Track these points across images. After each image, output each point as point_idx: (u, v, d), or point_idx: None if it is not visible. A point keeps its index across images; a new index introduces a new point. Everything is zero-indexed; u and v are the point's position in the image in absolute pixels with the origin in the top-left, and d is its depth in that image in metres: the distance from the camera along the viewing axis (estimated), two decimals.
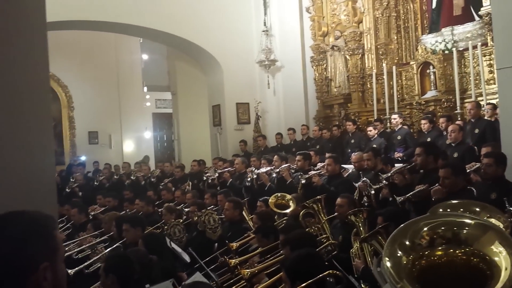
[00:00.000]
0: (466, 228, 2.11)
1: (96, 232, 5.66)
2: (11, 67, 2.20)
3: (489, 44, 7.92)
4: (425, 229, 2.14)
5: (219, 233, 5.50)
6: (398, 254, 2.12)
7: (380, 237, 4.10)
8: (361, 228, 4.47)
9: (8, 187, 2.14)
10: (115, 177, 10.20)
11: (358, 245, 4.22)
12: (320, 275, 2.62)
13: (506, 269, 1.81)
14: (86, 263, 4.84)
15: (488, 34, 7.89)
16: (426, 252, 2.12)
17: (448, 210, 2.78)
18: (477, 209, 2.65)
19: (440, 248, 2.10)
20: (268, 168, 7.06)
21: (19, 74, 2.24)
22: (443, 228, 2.12)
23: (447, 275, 2.09)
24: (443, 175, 3.89)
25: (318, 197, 5.30)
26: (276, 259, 3.64)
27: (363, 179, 5.33)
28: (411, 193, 4.27)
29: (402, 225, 2.23)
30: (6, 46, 2.16)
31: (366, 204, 5.03)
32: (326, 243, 4.18)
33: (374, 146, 7.00)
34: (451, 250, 2.08)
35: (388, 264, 2.11)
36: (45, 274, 1.26)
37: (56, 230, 1.38)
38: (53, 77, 13.25)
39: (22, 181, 2.22)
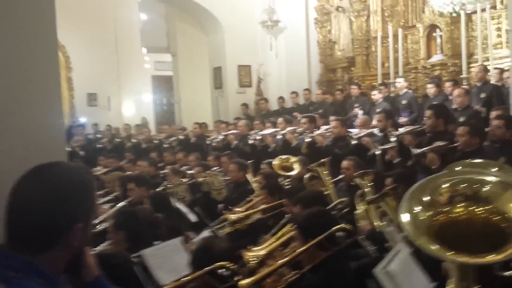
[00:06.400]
0: (487, 186, 2.07)
1: (100, 192, 5.65)
2: (18, 25, 2.17)
3: (497, 7, 7.75)
4: (445, 185, 2.10)
5: (224, 194, 5.50)
6: (416, 210, 2.09)
7: (388, 199, 4.10)
8: (367, 191, 4.47)
9: (18, 145, 2.13)
10: (117, 140, 10.10)
11: (363, 207, 4.22)
12: (331, 230, 2.60)
13: None
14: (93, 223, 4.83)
15: None
16: (445, 209, 2.09)
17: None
18: (494, 169, 2.61)
19: (459, 205, 2.07)
20: (273, 130, 7.00)
21: (27, 32, 2.21)
22: (463, 185, 2.09)
23: (465, 232, 2.07)
24: (460, 132, 3.89)
25: (322, 160, 5.28)
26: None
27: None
28: (429, 147, 4.25)
29: (420, 181, 2.20)
30: (15, 11, 2.13)
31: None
32: (336, 202, 4.17)
33: (385, 108, 6.93)
34: (471, 208, 2.05)
35: (405, 220, 2.09)
36: (77, 233, 1.25)
37: (95, 191, 1.36)
38: None
39: (32, 139, 2.21)
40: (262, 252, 2.81)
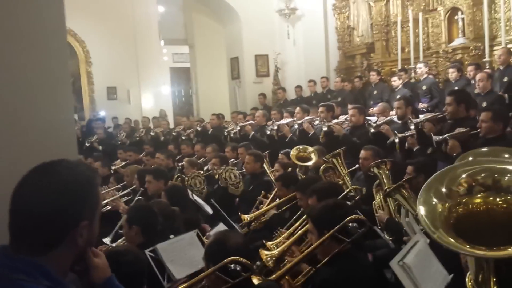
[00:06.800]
0: (508, 175, 1.98)
1: (118, 185, 5.69)
2: (26, 21, 2.13)
3: None
4: (464, 176, 2.01)
5: (241, 188, 5.43)
6: (433, 202, 2.01)
7: (404, 191, 3.99)
8: (384, 180, 4.37)
9: (28, 142, 2.12)
10: (136, 137, 10.05)
11: (381, 197, 4.13)
12: (343, 222, 2.52)
13: None
14: (118, 225, 4.76)
15: None
16: (464, 200, 2.00)
17: (477, 158, 2.63)
18: (506, 155, 2.49)
19: (479, 195, 1.98)
20: (290, 120, 6.92)
21: (35, 28, 2.17)
22: (483, 175, 1.99)
23: (485, 223, 1.98)
24: (482, 118, 3.78)
25: (337, 151, 5.18)
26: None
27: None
28: (449, 133, 4.13)
29: (437, 172, 2.11)
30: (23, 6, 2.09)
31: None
32: (348, 189, 4.09)
33: (404, 95, 6.77)
34: (491, 198, 1.96)
35: (422, 212, 2.01)
36: (82, 231, 1.23)
37: (99, 187, 1.34)
38: (70, 32, 13.01)
39: (42, 136, 2.19)
40: (277, 251, 2.76)
